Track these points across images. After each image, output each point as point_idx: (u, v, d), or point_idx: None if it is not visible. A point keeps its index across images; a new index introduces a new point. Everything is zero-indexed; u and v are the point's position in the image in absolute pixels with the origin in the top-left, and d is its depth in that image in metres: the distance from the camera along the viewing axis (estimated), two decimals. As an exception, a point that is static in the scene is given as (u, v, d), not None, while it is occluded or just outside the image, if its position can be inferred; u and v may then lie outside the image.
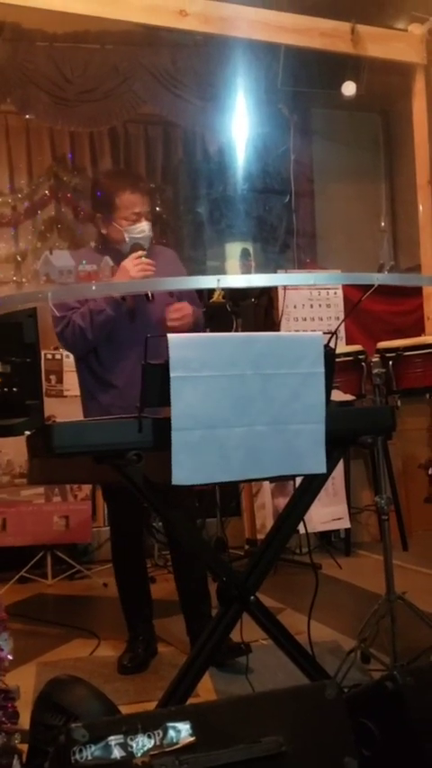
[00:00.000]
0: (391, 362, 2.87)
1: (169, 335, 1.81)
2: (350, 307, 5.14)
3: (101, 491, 4.48)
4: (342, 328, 4.88)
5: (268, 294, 5.30)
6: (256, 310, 5.35)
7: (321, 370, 1.92)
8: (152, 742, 1.39)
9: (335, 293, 5.24)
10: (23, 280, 5.58)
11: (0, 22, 4.86)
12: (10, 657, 1.80)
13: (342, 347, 3.10)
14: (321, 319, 5.22)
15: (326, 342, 1.95)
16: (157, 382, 1.79)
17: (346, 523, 4.99)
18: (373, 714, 1.62)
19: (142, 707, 2.46)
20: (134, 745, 1.37)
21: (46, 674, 2.71)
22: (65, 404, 4.58)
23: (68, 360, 4.58)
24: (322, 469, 1.93)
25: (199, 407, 1.78)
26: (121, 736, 1.37)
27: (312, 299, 5.21)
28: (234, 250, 5.19)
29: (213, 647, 2.00)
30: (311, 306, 5.22)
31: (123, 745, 1.37)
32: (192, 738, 1.41)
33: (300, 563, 4.58)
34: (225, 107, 5.18)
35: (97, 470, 1.92)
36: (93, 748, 1.35)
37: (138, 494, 1.91)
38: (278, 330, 4.95)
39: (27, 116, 5.33)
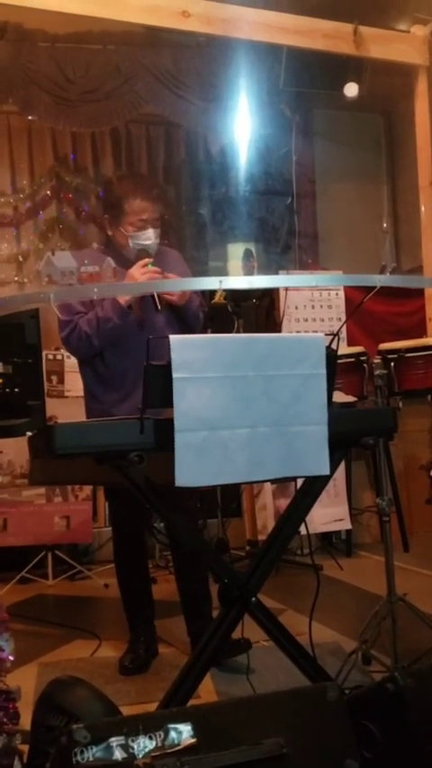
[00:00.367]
0: (392, 364, 2.88)
1: (171, 336, 1.81)
2: (351, 308, 5.14)
3: (102, 492, 4.48)
4: (343, 329, 4.88)
5: (270, 295, 5.30)
6: (258, 311, 5.35)
7: (323, 371, 1.92)
8: (153, 743, 1.39)
9: (336, 294, 5.24)
10: (25, 280, 5.59)
11: (2, 22, 4.86)
12: (11, 658, 1.80)
13: (343, 348, 3.10)
14: (323, 320, 5.22)
15: (328, 343, 1.95)
16: (159, 383, 1.79)
17: (347, 524, 4.99)
18: (375, 716, 1.62)
19: (143, 708, 2.46)
20: (135, 747, 1.37)
21: (47, 674, 2.72)
22: (66, 404, 4.58)
23: (69, 360, 4.59)
24: (325, 471, 1.93)
25: (202, 408, 1.78)
26: (123, 737, 1.37)
27: (314, 299, 5.21)
28: (236, 251, 5.19)
29: (215, 648, 2.00)
30: (313, 307, 5.22)
31: (125, 747, 1.37)
32: (193, 740, 1.41)
33: (301, 564, 4.58)
34: (227, 108, 5.17)
35: (99, 471, 1.92)
36: (94, 749, 1.35)
37: (139, 495, 1.91)
38: (279, 331, 4.95)
39: (29, 117, 5.33)
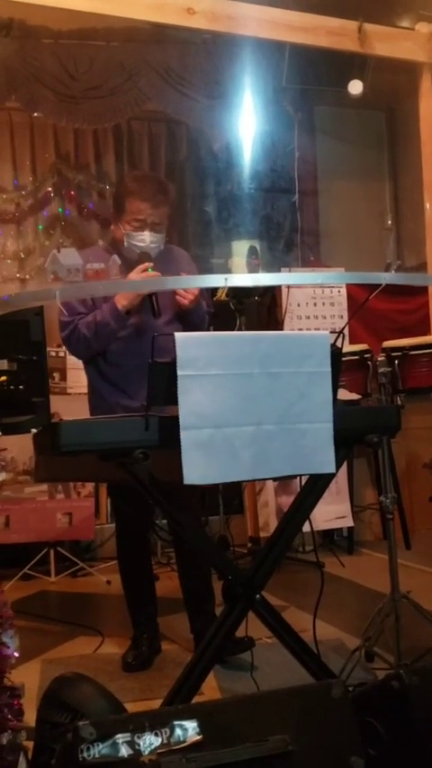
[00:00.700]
0: (396, 361, 2.87)
1: (176, 334, 1.81)
2: (354, 305, 5.13)
3: (106, 489, 4.48)
4: (347, 326, 4.87)
5: (272, 292, 5.29)
6: (260, 308, 5.35)
7: (328, 369, 1.92)
8: (159, 740, 1.39)
9: (339, 292, 5.23)
10: (27, 276, 5.58)
11: (6, 19, 4.85)
12: (16, 655, 1.80)
13: (348, 346, 3.10)
14: (325, 317, 5.22)
15: (332, 341, 1.95)
16: (163, 381, 1.79)
17: (349, 522, 4.99)
18: (380, 713, 1.62)
19: (147, 705, 2.46)
20: (141, 744, 1.37)
21: (50, 671, 2.73)
22: (69, 401, 4.58)
23: (72, 358, 4.58)
24: (331, 469, 1.93)
25: (207, 406, 1.78)
26: (129, 734, 1.38)
27: (316, 297, 5.20)
28: (240, 248, 5.18)
29: (219, 645, 2.00)
30: (315, 304, 5.21)
31: (131, 743, 1.37)
32: (199, 737, 1.41)
33: (303, 561, 4.59)
34: (230, 105, 5.17)
35: (104, 468, 1.92)
36: (100, 746, 1.35)
37: (144, 492, 1.91)
38: (281, 328, 4.95)
39: (34, 114, 5.33)
